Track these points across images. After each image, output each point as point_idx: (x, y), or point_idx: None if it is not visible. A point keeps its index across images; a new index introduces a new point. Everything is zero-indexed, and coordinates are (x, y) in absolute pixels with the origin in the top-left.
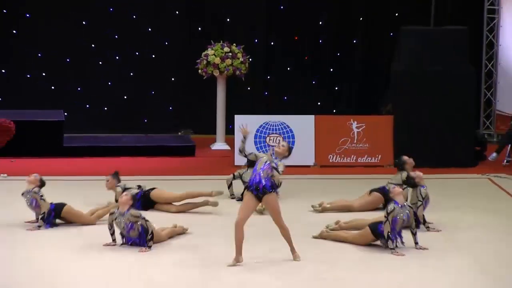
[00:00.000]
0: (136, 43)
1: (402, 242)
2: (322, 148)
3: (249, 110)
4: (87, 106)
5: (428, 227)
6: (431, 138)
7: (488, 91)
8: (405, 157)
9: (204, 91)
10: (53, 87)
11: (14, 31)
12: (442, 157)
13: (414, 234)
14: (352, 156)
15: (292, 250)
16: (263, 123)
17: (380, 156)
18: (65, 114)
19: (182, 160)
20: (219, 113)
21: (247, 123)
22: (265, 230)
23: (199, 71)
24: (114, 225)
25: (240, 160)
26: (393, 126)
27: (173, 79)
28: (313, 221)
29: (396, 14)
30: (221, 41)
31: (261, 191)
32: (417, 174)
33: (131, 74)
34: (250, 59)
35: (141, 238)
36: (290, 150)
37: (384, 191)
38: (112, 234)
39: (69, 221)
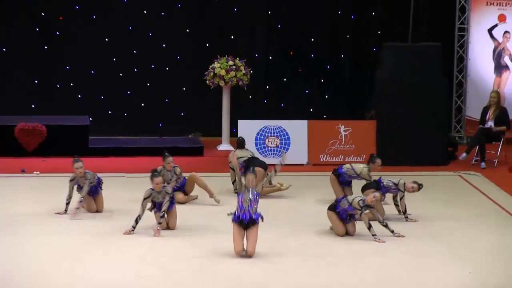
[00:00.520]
0: (151, 58)
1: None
2: (314, 149)
3: (250, 115)
4: (109, 112)
5: (407, 217)
6: (409, 140)
7: (459, 99)
8: (378, 159)
9: (211, 99)
10: (79, 96)
11: (45, 47)
12: (419, 156)
13: (385, 226)
14: (340, 155)
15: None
16: (263, 127)
17: (364, 156)
18: (90, 119)
19: (192, 159)
20: (224, 118)
21: (250, 128)
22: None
23: (207, 81)
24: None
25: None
26: (376, 130)
27: (184, 88)
28: (309, 213)
29: (379, 32)
30: (226, 56)
31: (251, 223)
32: (372, 198)
33: (148, 84)
34: (252, 71)
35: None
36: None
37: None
38: (136, 222)
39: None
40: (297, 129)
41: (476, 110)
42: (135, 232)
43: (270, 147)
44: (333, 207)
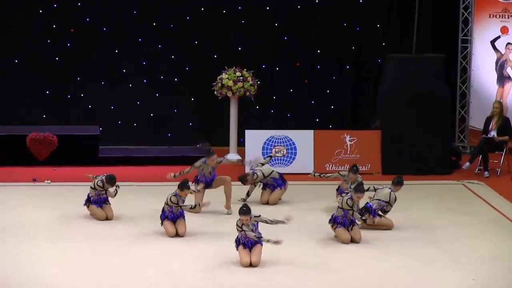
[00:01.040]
0: (161, 69)
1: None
2: (320, 158)
3: (257, 125)
4: (119, 122)
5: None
6: (413, 149)
7: (462, 109)
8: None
9: (219, 110)
10: (90, 106)
11: (57, 58)
12: (423, 165)
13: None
14: (346, 165)
15: None
16: (270, 137)
17: (369, 165)
18: (100, 129)
19: None
20: (232, 128)
21: (257, 137)
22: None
23: (215, 92)
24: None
25: (248, 168)
26: (381, 140)
27: (192, 99)
28: (315, 221)
29: (383, 44)
30: (234, 67)
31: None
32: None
33: (157, 95)
34: (259, 82)
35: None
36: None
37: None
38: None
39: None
40: (303, 139)
41: (479, 120)
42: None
43: (276, 156)
44: (333, 221)
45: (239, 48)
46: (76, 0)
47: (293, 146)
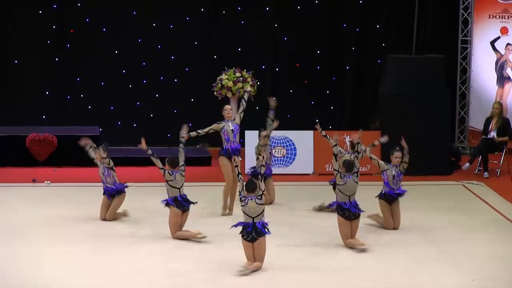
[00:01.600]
0: (161, 70)
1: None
2: (319, 159)
3: (257, 126)
4: (119, 123)
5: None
6: (412, 150)
7: (462, 110)
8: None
9: (219, 110)
10: (89, 107)
11: (56, 59)
12: (422, 166)
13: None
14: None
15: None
16: (270, 137)
17: (369, 165)
18: (100, 129)
19: (200, 169)
20: None
21: (256, 138)
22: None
23: (215, 93)
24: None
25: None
26: None
27: (192, 100)
28: (315, 222)
29: (383, 44)
30: (233, 68)
31: (257, 234)
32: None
33: (157, 95)
34: (258, 83)
35: None
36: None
37: None
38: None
39: None
40: (303, 140)
41: (479, 120)
42: (135, 237)
43: (276, 157)
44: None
45: (239, 49)
46: (76, 1)
47: (293, 147)
